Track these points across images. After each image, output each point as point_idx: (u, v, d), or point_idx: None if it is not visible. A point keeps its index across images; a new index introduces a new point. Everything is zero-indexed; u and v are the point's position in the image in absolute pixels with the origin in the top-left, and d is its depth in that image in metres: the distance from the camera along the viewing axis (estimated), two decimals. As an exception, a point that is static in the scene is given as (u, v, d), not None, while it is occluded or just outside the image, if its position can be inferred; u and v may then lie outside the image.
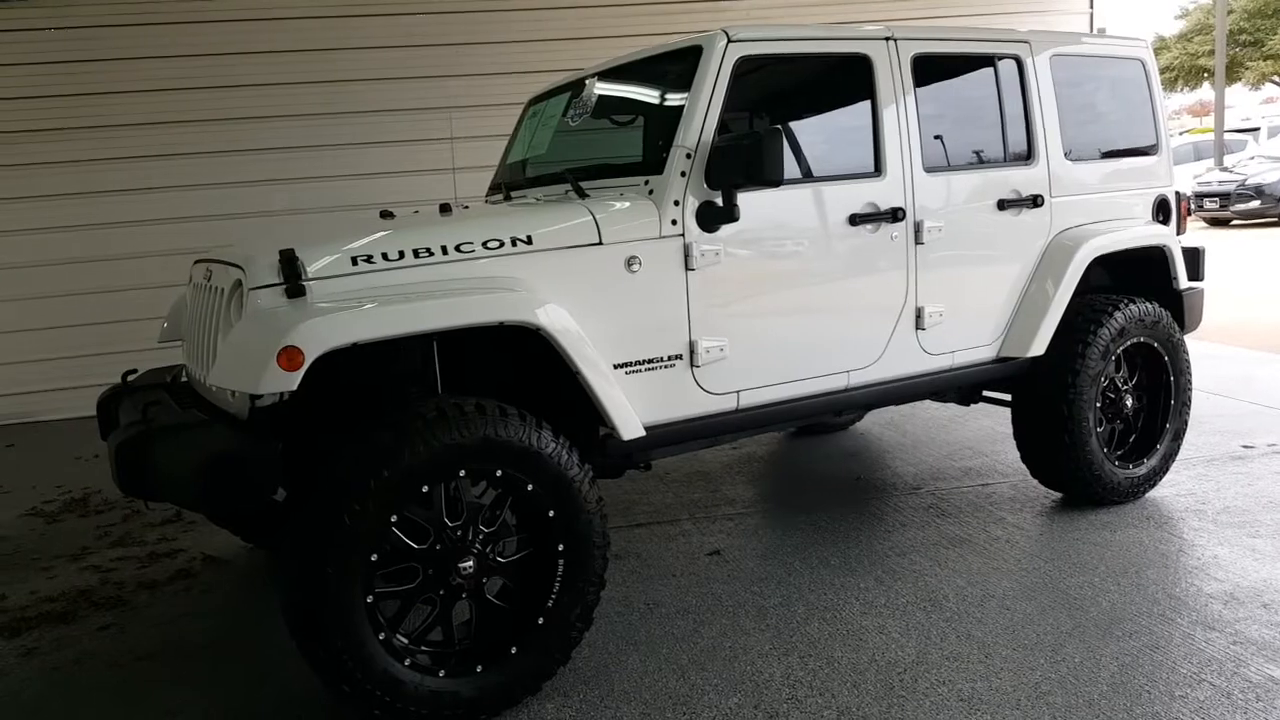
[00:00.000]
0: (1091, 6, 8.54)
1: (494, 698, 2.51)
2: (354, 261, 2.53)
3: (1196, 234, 16.27)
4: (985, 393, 4.03)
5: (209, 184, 6.80)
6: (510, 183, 3.84)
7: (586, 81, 3.67)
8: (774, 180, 2.86)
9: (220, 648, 3.11)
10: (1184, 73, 31.90)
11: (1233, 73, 29.99)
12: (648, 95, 3.39)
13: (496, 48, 6.82)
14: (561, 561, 2.58)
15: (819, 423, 5.33)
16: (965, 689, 2.55)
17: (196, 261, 3.20)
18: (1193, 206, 18.18)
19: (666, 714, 2.52)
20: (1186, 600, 3.01)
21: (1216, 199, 17.26)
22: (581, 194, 3.11)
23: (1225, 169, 18.42)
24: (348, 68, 6.72)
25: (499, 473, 2.47)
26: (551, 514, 2.55)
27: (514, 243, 2.73)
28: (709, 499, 4.33)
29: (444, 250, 2.63)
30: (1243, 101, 37.59)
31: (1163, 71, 32.61)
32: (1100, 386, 3.81)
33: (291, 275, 2.44)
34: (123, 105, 6.64)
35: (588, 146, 3.67)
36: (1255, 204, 16.58)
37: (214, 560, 3.91)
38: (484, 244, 2.69)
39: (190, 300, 3.23)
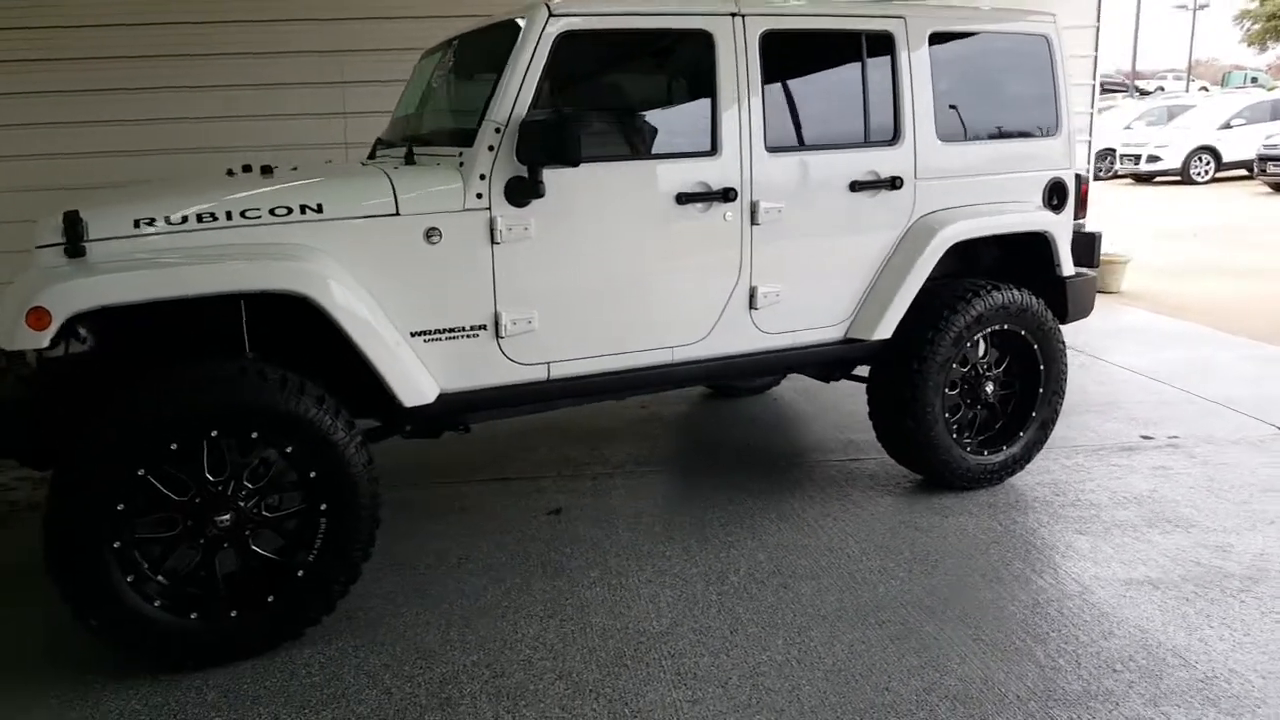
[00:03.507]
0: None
1: (246, 642, 2.71)
2: (136, 224, 2.68)
3: (1259, 200, 15.46)
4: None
5: (83, 121, 6.18)
6: (385, 139, 3.93)
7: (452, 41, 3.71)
8: (573, 160, 2.91)
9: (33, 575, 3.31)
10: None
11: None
12: (478, 64, 3.42)
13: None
14: (323, 520, 2.74)
15: (730, 386, 5.41)
16: (689, 664, 2.66)
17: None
18: (1256, 170, 17.25)
19: (405, 667, 2.70)
20: (962, 593, 3.05)
21: (1281, 163, 16.30)
22: (410, 161, 3.20)
23: (1301, 130, 17.33)
24: (240, 7, 6.40)
25: (254, 435, 2.63)
26: (313, 475, 2.71)
27: (303, 210, 2.84)
28: (585, 457, 4.46)
29: (228, 215, 2.76)
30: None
31: (1269, 19, 30.59)
32: (950, 373, 3.78)
33: (72, 236, 2.60)
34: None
35: (442, 109, 3.73)
36: (1321, 170, 15.62)
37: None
38: (271, 210, 2.80)
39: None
